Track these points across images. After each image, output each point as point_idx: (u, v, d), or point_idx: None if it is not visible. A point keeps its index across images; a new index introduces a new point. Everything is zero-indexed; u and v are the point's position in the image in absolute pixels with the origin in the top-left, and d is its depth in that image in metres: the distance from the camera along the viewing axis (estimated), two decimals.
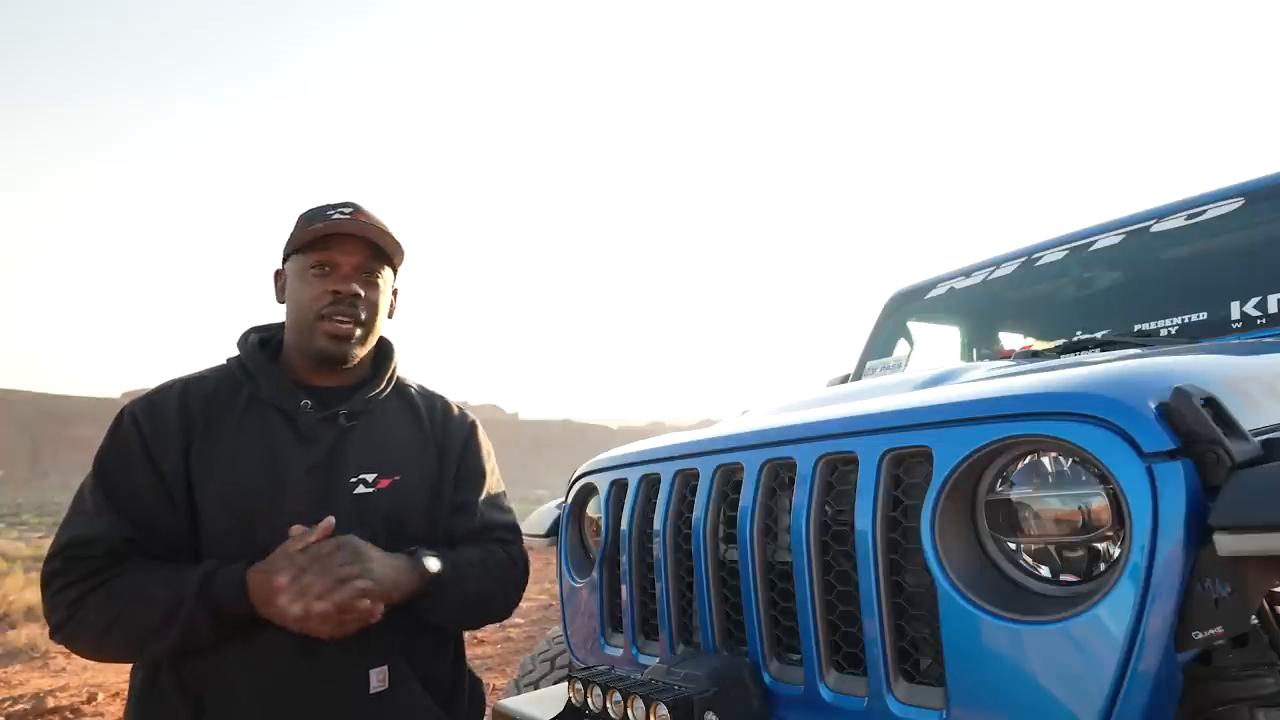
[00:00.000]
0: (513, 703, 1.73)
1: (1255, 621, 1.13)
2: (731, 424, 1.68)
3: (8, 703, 5.18)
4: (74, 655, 5.73)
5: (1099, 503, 1.01)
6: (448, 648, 1.63)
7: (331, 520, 1.34)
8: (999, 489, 1.10)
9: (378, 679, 1.43)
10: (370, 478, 1.49)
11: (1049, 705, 0.98)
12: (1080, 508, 1.02)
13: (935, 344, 3.12)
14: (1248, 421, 1.04)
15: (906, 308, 3.18)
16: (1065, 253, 2.64)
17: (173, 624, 1.29)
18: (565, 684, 1.43)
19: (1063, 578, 1.04)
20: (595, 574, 1.77)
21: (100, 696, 5.25)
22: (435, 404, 1.70)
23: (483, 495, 1.67)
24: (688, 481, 1.51)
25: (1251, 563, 0.97)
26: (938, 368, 1.81)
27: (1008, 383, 1.23)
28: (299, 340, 1.52)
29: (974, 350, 2.98)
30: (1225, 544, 0.91)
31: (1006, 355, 2.26)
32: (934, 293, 3.08)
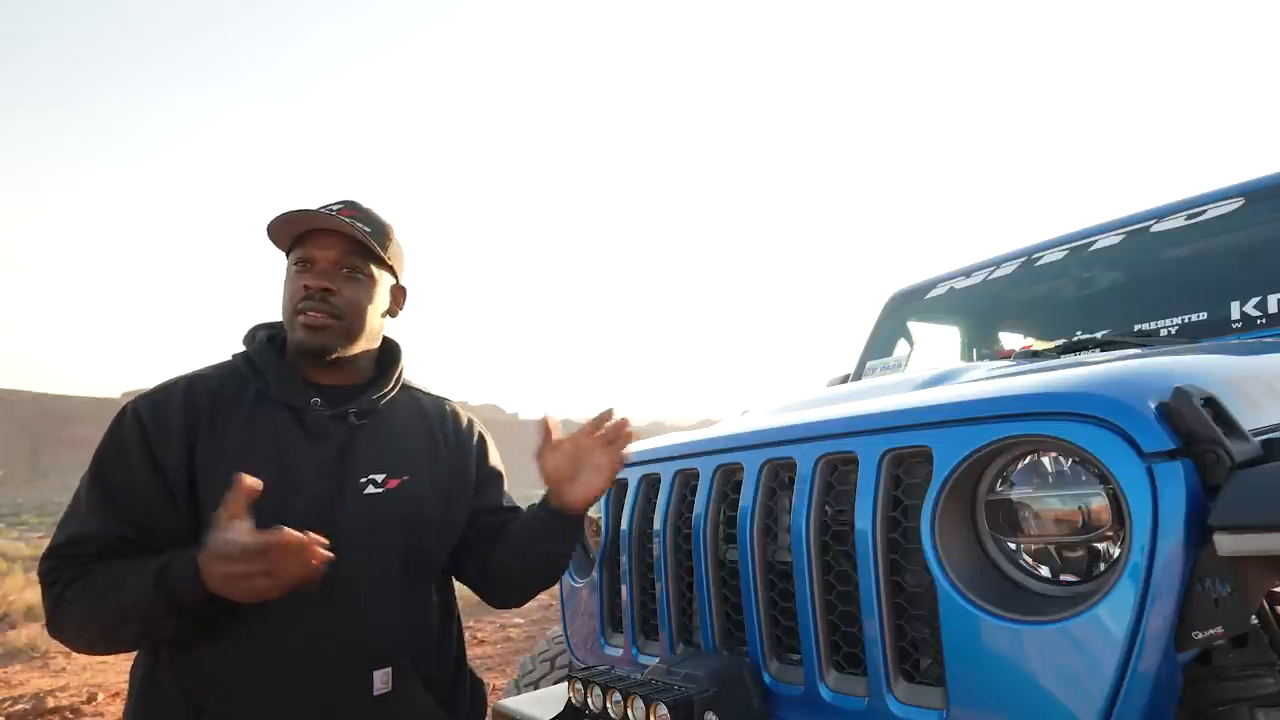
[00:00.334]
0: (513, 703, 1.73)
1: (1255, 621, 1.13)
2: (731, 424, 1.68)
3: (8, 703, 5.18)
4: (74, 655, 5.72)
5: (1099, 503, 1.01)
6: (449, 647, 1.63)
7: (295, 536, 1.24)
8: (999, 489, 1.10)
9: (381, 681, 1.42)
10: (379, 478, 1.48)
11: (1049, 705, 0.98)
12: (1080, 508, 1.02)
13: (935, 344, 3.12)
14: (1248, 421, 1.04)
15: (906, 308, 3.18)
16: (1065, 253, 2.64)
17: (135, 616, 1.28)
18: (565, 684, 1.43)
19: (1063, 578, 1.04)
20: (595, 574, 1.77)
21: (100, 696, 5.25)
22: (444, 407, 1.70)
23: (504, 494, 1.70)
24: (688, 481, 1.51)
25: (1251, 563, 0.97)
26: (938, 368, 1.81)
27: (1008, 383, 1.23)
28: (288, 337, 1.52)
29: (974, 350, 2.98)
30: (1225, 544, 0.91)
31: (1006, 355, 2.26)
32: (934, 293, 3.08)
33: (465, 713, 1.62)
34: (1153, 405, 0.99)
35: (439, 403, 1.71)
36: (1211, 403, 1.01)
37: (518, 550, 1.57)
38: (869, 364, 2.81)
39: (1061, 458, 1.05)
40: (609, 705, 1.30)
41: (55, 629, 1.34)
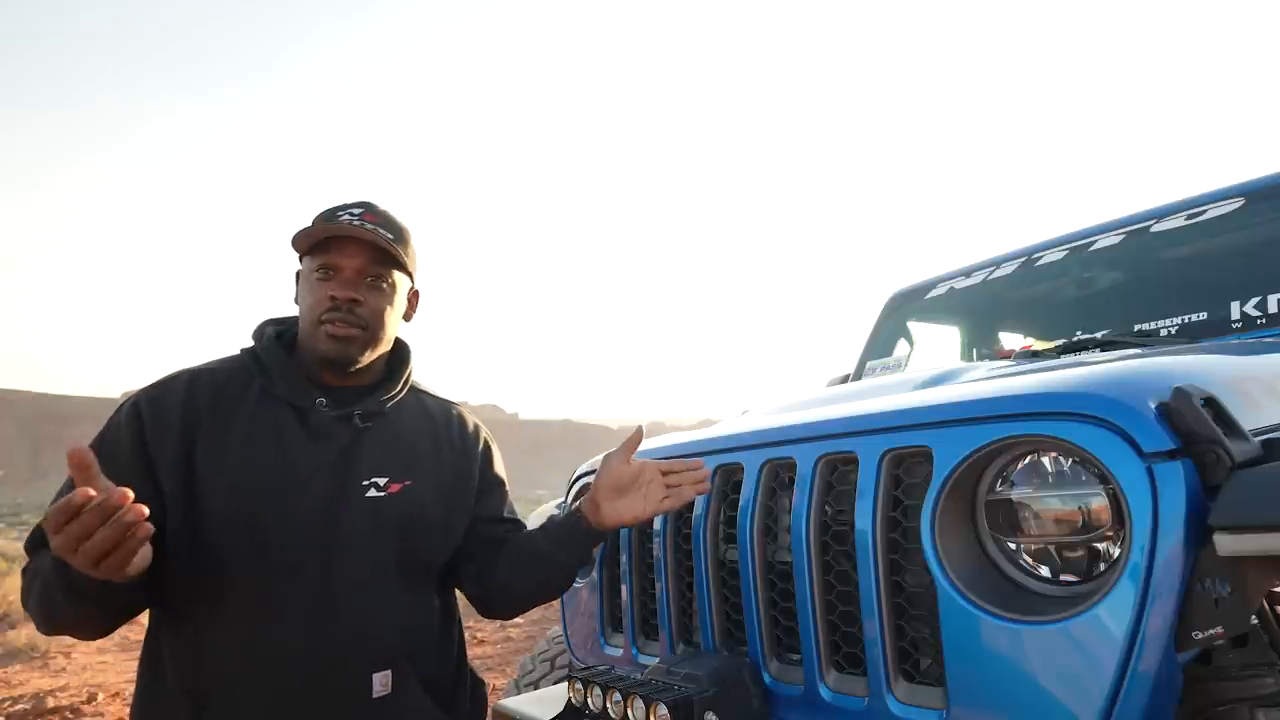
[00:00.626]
0: (513, 703, 1.73)
1: (1255, 621, 1.13)
2: (731, 424, 1.68)
3: (8, 703, 5.18)
4: (74, 655, 5.71)
5: (1099, 503, 1.01)
6: (450, 648, 1.62)
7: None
8: (999, 489, 1.10)
9: (380, 683, 1.42)
10: (382, 481, 1.48)
11: (1049, 705, 0.98)
12: (1080, 508, 1.02)
13: (935, 344, 3.12)
14: (1248, 421, 1.04)
15: (906, 308, 3.18)
16: (1065, 253, 2.64)
17: (47, 595, 1.24)
18: (565, 684, 1.43)
19: (1063, 578, 1.05)
20: (595, 574, 1.77)
21: (100, 696, 5.25)
22: (450, 412, 1.69)
23: (506, 503, 1.69)
24: None
25: (1251, 563, 0.97)
26: (938, 368, 1.81)
27: (1008, 383, 1.23)
28: (306, 342, 1.51)
29: (974, 350, 2.98)
30: (1225, 544, 0.91)
31: (1006, 355, 2.26)
32: (934, 293, 3.08)
33: (465, 714, 1.62)
34: (1153, 405, 0.99)
35: (445, 406, 1.70)
36: (1211, 403, 1.01)
37: (527, 560, 1.56)
38: (869, 364, 2.81)
39: (1061, 458, 1.05)
40: (609, 705, 1.30)
41: (28, 612, 1.33)
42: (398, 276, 1.53)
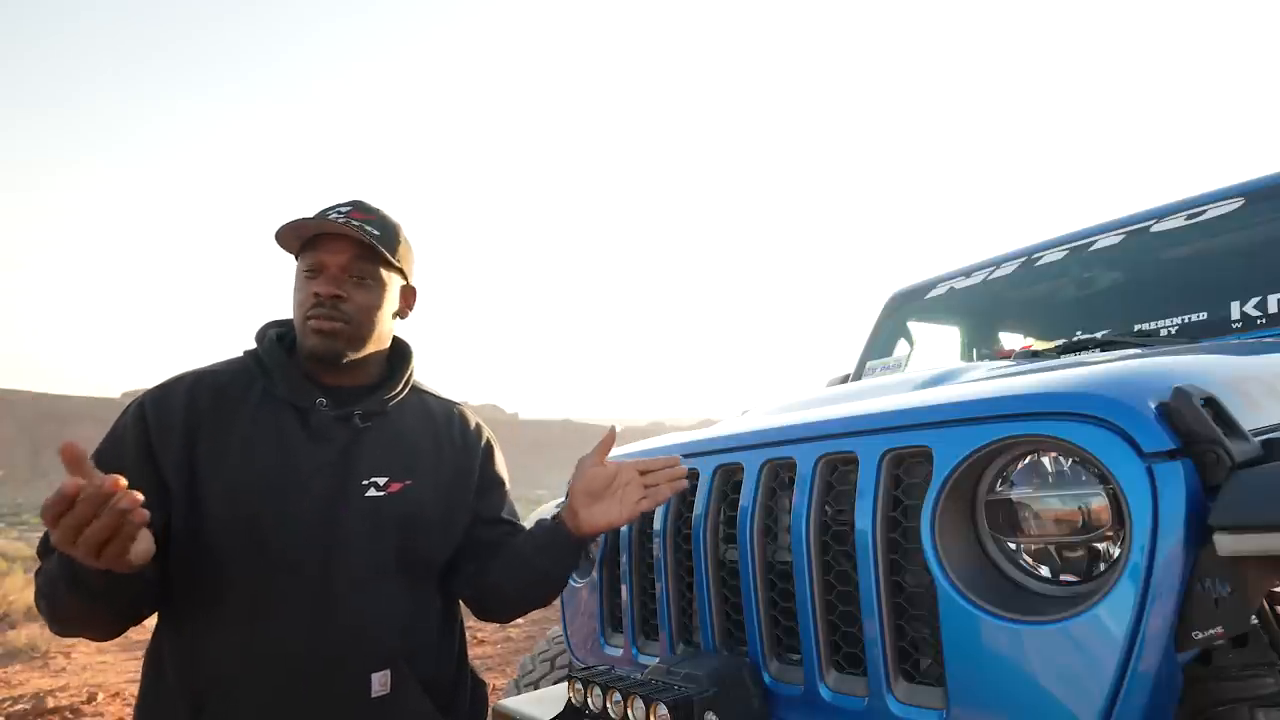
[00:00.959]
0: (513, 703, 1.73)
1: (1255, 621, 1.13)
2: (731, 424, 1.68)
3: (8, 703, 5.18)
4: (74, 655, 5.71)
5: (1099, 503, 1.01)
6: (450, 649, 1.62)
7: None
8: (999, 489, 1.10)
9: (379, 683, 1.42)
10: (382, 481, 1.48)
11: (1049, 705, 0.98)
12: (1080, 508, 1.02)
13: (935, 344, 3.12)
14: (1248, 421, 1.04)
15: (906, 308, 3.18)
16: (1065, 253, 2.64)
17: (54, 593, 1.25)
18: (565, 684, 1.43)
19: (1063, 578, 1.05)
20: (595, 574, 1.77)
21: (100, 696, 5.24)
22: (451, 411, 1.69)
23: (505, 503, 1.68)
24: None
25: (1251, 563, 0.97)
26: (938, 368, 1.81)
27: (1008, 383, 1.23)
28: (299, 341, 1.51)
29: (974, 350, 2.98)
30: (1225, 544, 0.91)
31: (1006, 355, 2.26)
32: (934, 293, 3.08)
33: (465, 714, 1.62)
34: (1153, 405, 0.99)
35: (447, 405, 1.70)
36: (1211, 403, 1.01)
37: (515, 565, 1.56)
38: (869, 364, 2.81)
39: (1061, 458, 1.05)
40: (609, 705, 1.30)
41: (40, 612, 1.33)
42: (385, 273, 1.53)
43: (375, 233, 1.49)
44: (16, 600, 8.59)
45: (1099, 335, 2.26)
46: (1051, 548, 1.06)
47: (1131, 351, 1.78)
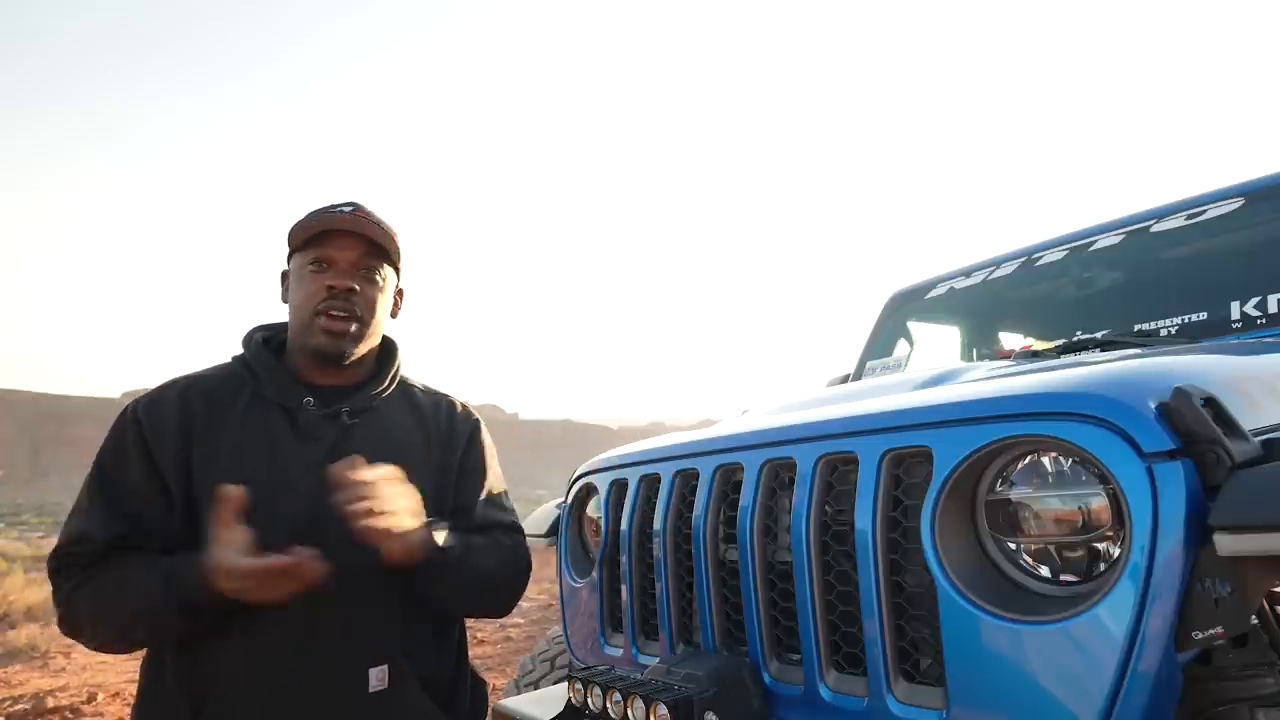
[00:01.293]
0: (513, 703, 1.73)
1: (1255, 621, 1.13)
2: (731, 424, 1.68)
3: (8, 703, 5.18)
4: (74, 655, 5.72)
5: (1099, 503, 1.01)
6: (449, 647, 1.63)
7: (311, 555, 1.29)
8: (999, 489, 1.10)
9: (377, 678, 1.43)
10: None
11: (1049, 705, 0.98)
12: (1080, 508, 1.02)
13: (935, 344, 3.12)
14: (1248, 421, 1.04)
15: (906, 308, 3.18)
16: (1065, 253, 2.64)
17: (147, 617, 1.32)
18: (565, 684, 1.43)
19: (1063, 578, 1.04)
20: (595, 574, 1.77)
21: (100, 696, 5.24)
22: (439, 403, 1.70)
23: (482, 495, 1.66)
24: (688, 481, 1.51)
25: (1251, 563, 0.97)
26: (938, 368, 1.81)
27: (1008, 383, 1.23)
28: (299, 337, 1.52)
29: (974, 350, 2.98)
30: (1225, 544, 0.91)
31: (1006, 355, 2.26)
32: (934, 293, 3.08)
33: (465, 712, 1.62)
34: (1153, 405, 0.99)
35: (435, 397, 1.70)
36: (1211, 403, 1.01)
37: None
38: (869, 364, 2.81)
39: (1061, 458, 1.05)
40: (609, 705, 1.30)
41: (69, 628, 1.38)
42: (388, 271, 1.56)
43: (384, 231, 1.52)
44: (16, 600, 8.59)
45: (1099, 335, 2.26)
46: (1051, 548, 1.06)
47: (1131, 351, 1.78)
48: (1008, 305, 2.93)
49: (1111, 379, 1.07)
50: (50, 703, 5.10)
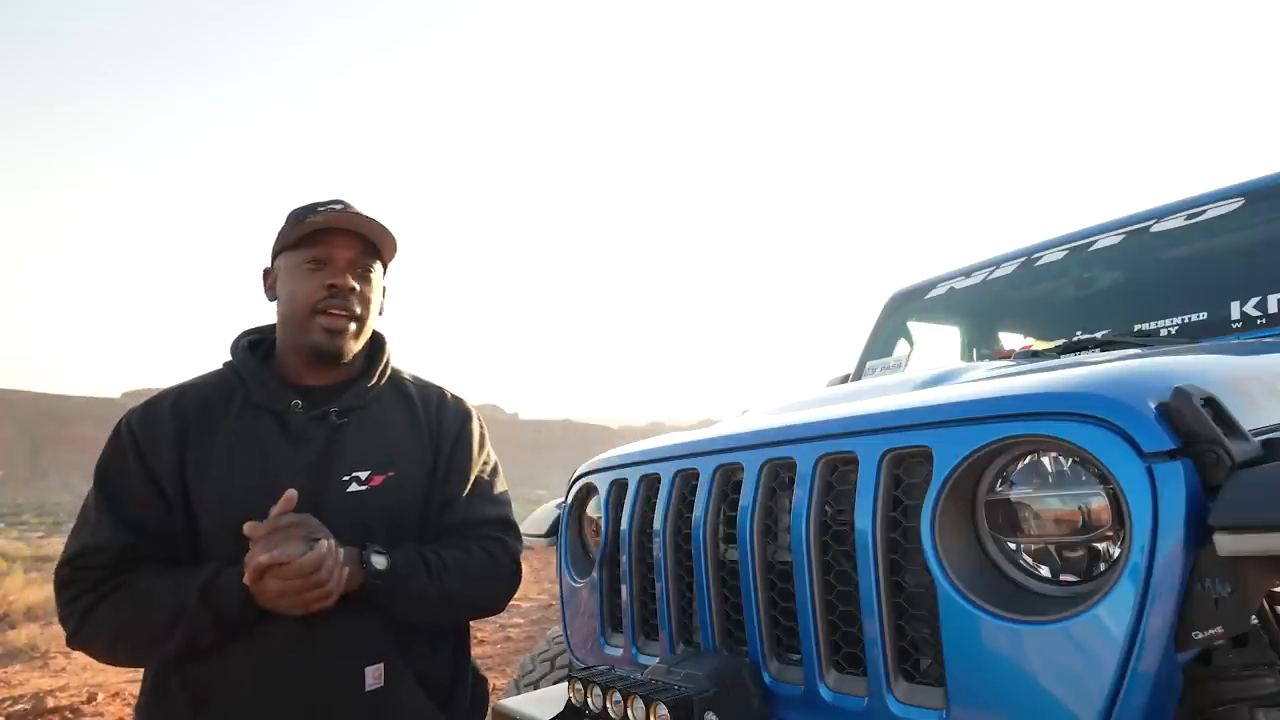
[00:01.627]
0: (513, 703, 1.73)
1: (1255, 621, 1.13)
2: (731, 424, 1.68)
3: (8, 703, 5.18)
4: (74, 655, 5.70)
5: (1099, 503, 1.01)
6: (446, 646, 1.62)
7: (292, 493, 1.35)
8: (999, 489, 1.10)
9: (373, 676, 1.43)
10: (363, 475, 1.48)
11: (1049, 705, 0.98)
12: (1080, 508, 1.02)
13: (935, 344, 3.12)
14: (1248, 421, 1.04)
15: (906, 308, 3.18)
16: (1065, 253, 2.64)
17: (176, 629, 1.32)
18: (565, 684, 1.43)
19: (1063, 578, 1.04)
20: (595, 574, 1.77)
21: (100, 696, 5.24)
22: (430, 395, 1.68)
23: (469, 488, 1.62)
24: (688, 481, 1.51)
25: (1251, 563, 0.97)
26: (938, 368, 1.81)
27: (1008, 383, 1.23)
28: (293, 337, 1.51)
29: (974, 350, 2.98)
30: (1225, 544, 0.91)
31: (1006, 355, 2.26)
32: (934, 293, 3.08)
33: (464, 711, 1.62)
34: (1153, 405, 0.99)
35: (427, 389, 1.69)
36: (1211, 403, 1.01)
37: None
38: (869, 364, 2.81)
39: (1061, 458, 1.04)
40: (609, 705, 1.30)
41: (84, 645, 1.37)
42: (380, 269, 1.57)
43: (381, 229, 1.52)
44: (16, 600, 8.59)
45: (1099, 335, 2.26)
46: (1051, 548, 1.06)
47: (1131, 351, 1.78)
48: (1008, 305, 2.93)
49: (1111, 379, 1.07)
50: (50, 703, 5.10)
